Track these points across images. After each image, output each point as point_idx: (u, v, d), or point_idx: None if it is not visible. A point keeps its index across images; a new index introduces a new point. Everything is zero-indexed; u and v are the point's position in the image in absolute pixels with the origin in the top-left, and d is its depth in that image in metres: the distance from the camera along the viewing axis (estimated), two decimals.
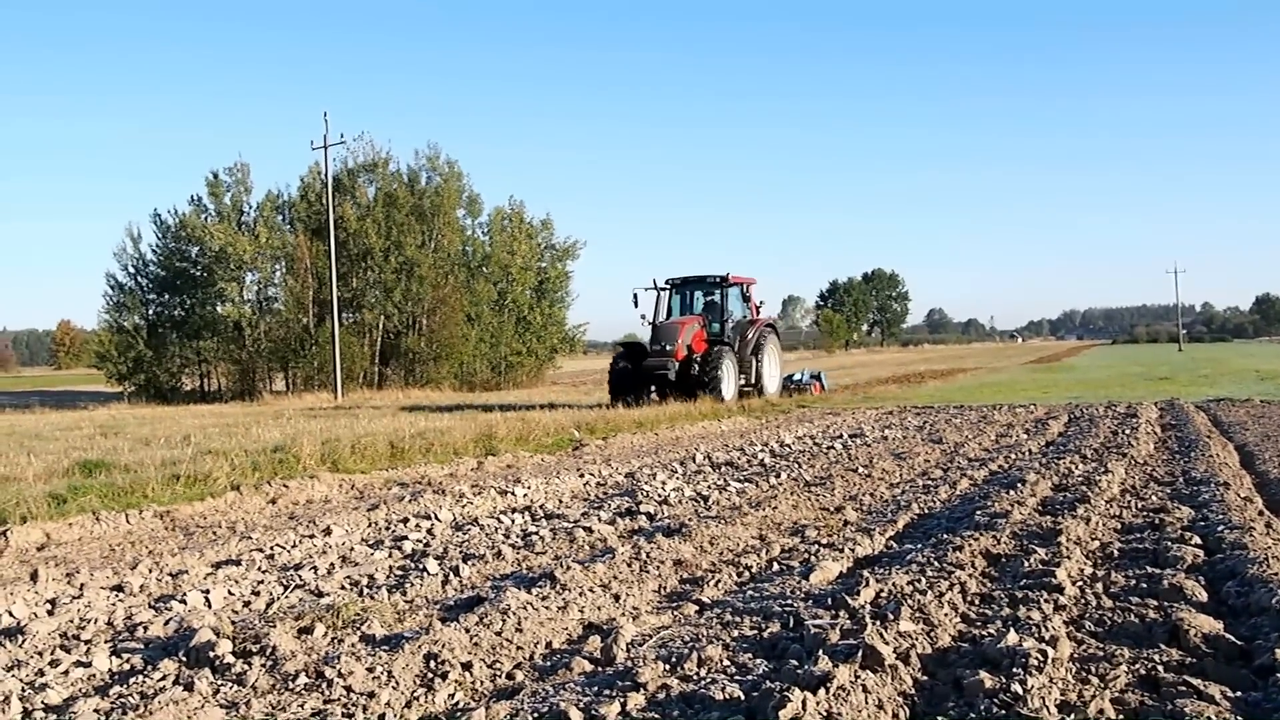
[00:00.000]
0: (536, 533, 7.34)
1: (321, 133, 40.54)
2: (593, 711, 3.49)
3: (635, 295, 26.54)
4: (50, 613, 5.40)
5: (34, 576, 6.11)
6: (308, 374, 47.85)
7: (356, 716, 3.60)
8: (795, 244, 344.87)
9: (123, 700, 3.90)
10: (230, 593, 5.72)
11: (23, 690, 4.08)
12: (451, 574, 6.00)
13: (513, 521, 7.93)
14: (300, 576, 6.08)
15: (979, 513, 7.15)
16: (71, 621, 5.19)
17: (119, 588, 5.93)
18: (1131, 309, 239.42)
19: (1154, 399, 20.56)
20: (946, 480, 9.33)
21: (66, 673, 4.34)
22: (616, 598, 5.27)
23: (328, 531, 7.59)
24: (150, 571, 6.37)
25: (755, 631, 4.51)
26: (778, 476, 10.05)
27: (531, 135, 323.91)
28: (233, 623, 4.83)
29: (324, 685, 3.92)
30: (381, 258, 48.24)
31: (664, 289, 27.07)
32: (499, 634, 4.52)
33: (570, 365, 64.98)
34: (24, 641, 4.83)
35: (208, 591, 5.63)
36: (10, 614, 5.33)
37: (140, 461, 11.60)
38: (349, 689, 3.86)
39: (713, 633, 4.53)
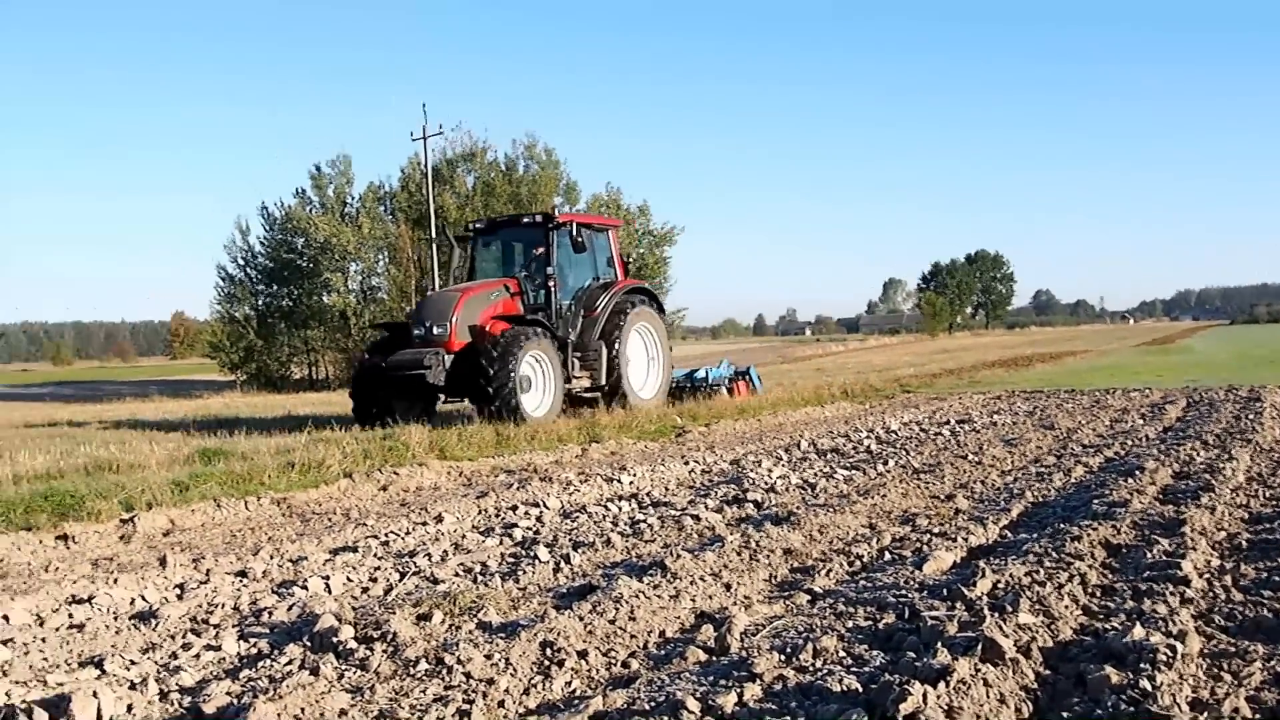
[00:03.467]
0: (644, 520, 7.37)
1: (420, 124, 41.40)
2: (710, 701, 3.49)
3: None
4: (180, 597, 5.60)
5: (163, 562, 6.34)
6: None
7: (477, 703, 3.65)
8: (896, 225, 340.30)
9: (252, 683, 4.03)
10: (349, 579, 5.86)
11: (158, 672, 4.24)
12: (562, 562, 6.07)
13: (620, 509, 7.97)
14: (415, 563, 6.21)
15: (1096, 501, 6.97)
16: (200, 606, 5.38)
17: (243, 573, 6.12)
18: (1251, 288, 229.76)
19: (1278, 382, 19.79)
20: (1060, 467, 9.11)
21: (198, 656, 4.50)
22: (727, 587, 5.27)
23: (439, 519, 7.72)
24: (271, 558, 6.56)
25: (870, 622, 4.46)
26: (885, 463, 9.93)
27: (628, 122, 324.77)
28: (353, 609, 4.95)
29: (444, 671, 4.00)
30: None
31: (467, 236, 17.55)
32: (612, 622, 4.55)
33: None
34: (157, 625, 5.03)
35: (327, 578, 5.78)
36: (143, 598, 5.55)
37: (256, 449, 11.92)
38: (468, 675, 3.93)
39: (826, 623, 4.50)
